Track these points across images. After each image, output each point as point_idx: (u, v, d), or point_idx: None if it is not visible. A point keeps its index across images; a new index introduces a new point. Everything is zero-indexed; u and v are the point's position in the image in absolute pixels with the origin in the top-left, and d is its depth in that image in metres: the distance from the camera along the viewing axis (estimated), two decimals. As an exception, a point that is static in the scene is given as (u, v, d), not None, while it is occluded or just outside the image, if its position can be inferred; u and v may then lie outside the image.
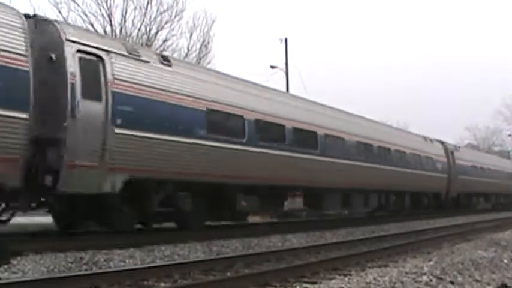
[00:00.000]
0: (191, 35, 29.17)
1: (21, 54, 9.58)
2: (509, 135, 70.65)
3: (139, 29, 27.55)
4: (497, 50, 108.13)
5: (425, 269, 8.18)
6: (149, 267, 8.03)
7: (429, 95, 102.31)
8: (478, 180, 33.08)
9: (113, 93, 10.96)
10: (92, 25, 26.22)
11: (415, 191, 25.14)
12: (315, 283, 7.38)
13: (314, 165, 16.68)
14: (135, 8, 27.33)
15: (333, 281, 7.31)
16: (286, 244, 12.54)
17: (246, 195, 14.54)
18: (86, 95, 10.50)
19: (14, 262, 8.21)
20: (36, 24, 10.59)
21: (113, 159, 10.85)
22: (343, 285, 6.96)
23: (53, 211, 11.98)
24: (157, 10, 27.74)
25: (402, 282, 7.18)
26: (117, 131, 10.95)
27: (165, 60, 12.90)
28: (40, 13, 20.39)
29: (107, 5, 26.74)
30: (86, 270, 8.11)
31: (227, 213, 14.69)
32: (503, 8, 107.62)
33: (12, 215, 10.50)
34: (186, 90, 12.79)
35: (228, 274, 8.07)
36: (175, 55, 26.41)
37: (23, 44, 9.67)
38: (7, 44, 9.39)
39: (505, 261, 9.61)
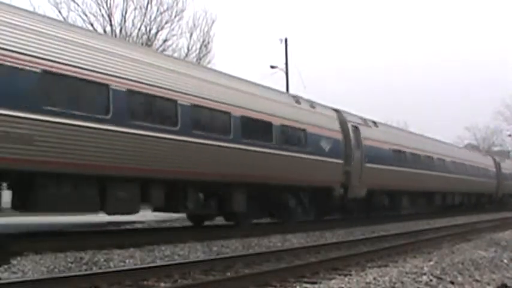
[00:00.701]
0: (191, 35, 29.24)
1: (338, 131, 19.14)
2: (509, 135, 70.72)
3: (139, 29, 27.59)
4: (497, 50, 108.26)
5: (425, 269, 8.17)
6: (149, 267, 8.02)
7: (429, 95, 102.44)
8: None
9: (364, 145, 20.50)
10: (92, 25, 26.26)
11: (479, 192, 35.80)
12: (315, 283, 7.37)
13: (431, 178, 26.81)
14: (135, 8, 27.39)
15: (333, 281, 7.31)
16: (286, 244, 12.53)
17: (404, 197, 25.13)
18: (355, 147, 19.90)
19: (14, 262, 8.21)
20: (336, 113, 19.82)
21: (364, 180, 20.19)
22: (343, 285, 6.95)
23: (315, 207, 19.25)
24: (157, 10, 27.80)
25: (402, 282, 7.18)
26: (366, 165, 20.38)
27: (375, 123, 22.80)
28: (40, 12, 20.38)
29: (107, 5, 26.78)
30: (86, 270, 8.11)
31: (396, 209, 24.70)
32: (503, 8, 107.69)
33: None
34: (384, 139, 22.49)
35: (228, 274, 8.07)
36: (175, 55, 26.44)
37: (338, 125, 19.26)
38: (334, 127, 19.00)
39: (505, 261, 9.61)
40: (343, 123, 19.74)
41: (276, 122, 15.81)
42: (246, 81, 16.01)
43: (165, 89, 12.11)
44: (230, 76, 15.35)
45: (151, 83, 11.77)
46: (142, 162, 11.37)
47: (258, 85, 16.71)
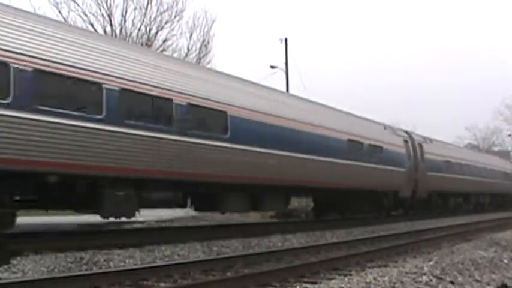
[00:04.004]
0: (191, 35, 29.28)
1: None
2: (509, 135, 70.76)
3: (139, 29, 27.64)
4: (497, 50, 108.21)
5: (425, 269, 8.17)
6: (149, 267, 8.02)
7: (429, 95, 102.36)
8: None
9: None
10: (92, 25, 26.29)
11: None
12: (315, 283, 7.37)
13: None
14: (135, 8, 27.44)
15: (333, 281, 7.30)
16: (286, 244, 12.53)
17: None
18: None
19: (14, 262, 8.22)
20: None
21: None
22: (343, 285, 6.95)
23: None
24: (157, 10, 27.85)
25: (402, 282, 7.17)
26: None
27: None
28: (40, 13, 20.38)
29: (107, 5, 26.83)
30: (86, 270, 8.12)
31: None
32: (503, 8, 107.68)
33: None
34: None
35: (228, 274, 8.07)
36: (175, 55, 26.45)
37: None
38: None
39: (505, 261, 9.61)
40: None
41: None
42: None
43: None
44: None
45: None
46: None
47: None
